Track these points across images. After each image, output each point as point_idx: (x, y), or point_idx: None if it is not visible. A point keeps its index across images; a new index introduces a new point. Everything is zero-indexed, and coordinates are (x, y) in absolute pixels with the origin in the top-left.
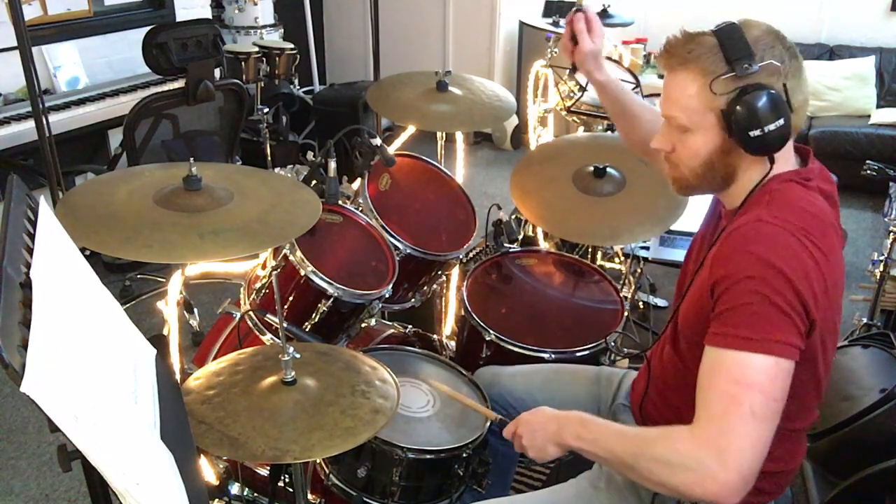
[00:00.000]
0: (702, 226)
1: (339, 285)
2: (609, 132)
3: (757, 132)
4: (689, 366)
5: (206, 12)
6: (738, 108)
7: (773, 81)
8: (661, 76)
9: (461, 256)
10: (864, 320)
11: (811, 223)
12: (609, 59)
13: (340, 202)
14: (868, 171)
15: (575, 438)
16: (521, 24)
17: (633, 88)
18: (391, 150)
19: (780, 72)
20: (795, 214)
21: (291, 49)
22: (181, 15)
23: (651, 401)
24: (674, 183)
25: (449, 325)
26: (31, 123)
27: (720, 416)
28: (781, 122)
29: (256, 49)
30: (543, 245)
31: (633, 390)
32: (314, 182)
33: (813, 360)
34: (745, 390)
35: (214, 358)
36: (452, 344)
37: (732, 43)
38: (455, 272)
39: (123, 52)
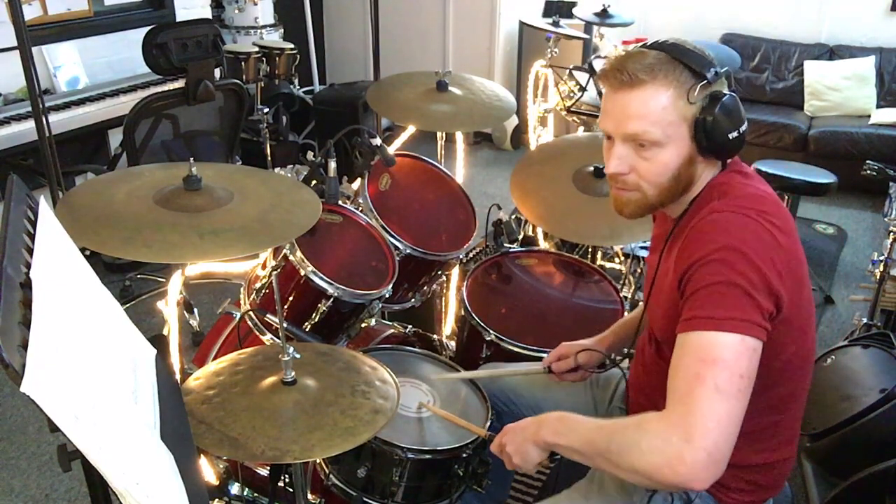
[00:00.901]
0: (652, 242)
1: (339, 285)
2: None
3: (734, 134)
4: (666, 357)
5: (206, 12)
6: (714, 112)
7: (726, 88)
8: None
9: (461, 256)
10: (864, 320)
11: (766, 204)
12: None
13: (340, 202)
14: (868, 171)
15: (553, 434)
16: (521, 24)
17: None
18: (391, 150)
19: (725, 82)
20: (748, 199)
21: (291, 49)
22: (181, 15)
23: (639, 403)
24: (627, 205)
25: (449, 325)
26: (31, 123)
27: (686, 395)
28: (746, 124)
29: (256, 49)
30: (543, 245)
31: (625, 395)
32: (314, 182)
33: (801, 329)
34: (709, 367)
35: (214, 358)
36: (452, 344)
37: (688, 54)
38: (455, 272)
39: (123, 52)
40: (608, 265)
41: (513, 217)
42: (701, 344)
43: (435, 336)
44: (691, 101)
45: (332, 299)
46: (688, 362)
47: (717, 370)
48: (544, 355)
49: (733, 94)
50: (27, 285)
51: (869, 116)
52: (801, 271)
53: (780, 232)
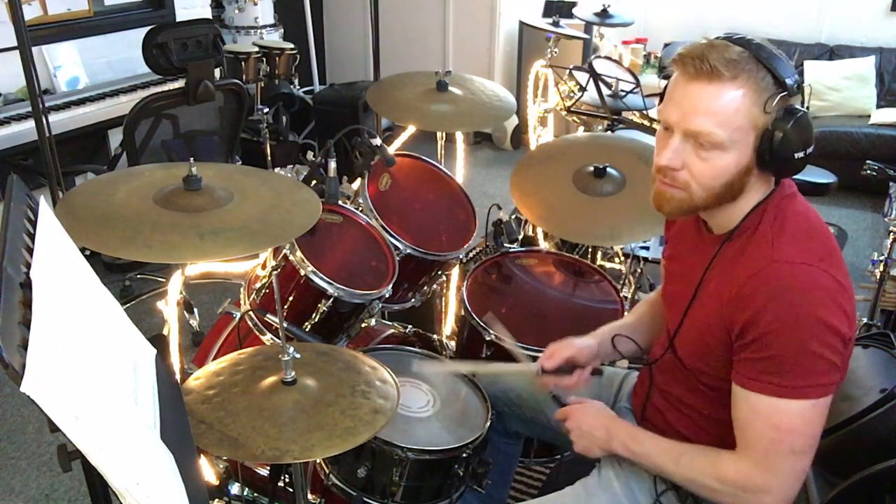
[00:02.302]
0: (669, 244)
1: (339, 285)
2: (609, 132)
3: (800, 154)
4: (692, 373)
5: (206, 12)
6: (787, 128)
7: (799, 103)
8: (665, 77)
9: (461, 256)
10: (864, 320)
11: (824, 241)
12: (609, 58)
13: (340, 202)
14: (868, 171)
15: (624, 449)
16: (521, 24)
17: (633, 89)
18: (391, 150)
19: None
20: (809, 240)
21: (291, 49)
22: (181, 15)
23: (653, 404)
24: (669, 203)
25: (449, 325)
26: (31, 123)
27: (764, 457)
28: (813, 146)
29: (256, 49)
30: (543, 245)
31: (634, 395)
32: (314, 182)
33: (847, 367)
34: (784, 435)
35: (214, 358)
36: (452, 344)
37: (773, 59)
38: (455, 272)
39: (123, 52)
40: (608, 265)
41: (513, 217)
42: (774, 411)
43: (435, 336)
44: (767, 110)
45: (332, 299)
46: (760, 426)
47: (793, 437)
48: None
49: (806, 110)
50: (27, 285)
51: (869, 116)
52: (854, 295)
53: (838, 269)
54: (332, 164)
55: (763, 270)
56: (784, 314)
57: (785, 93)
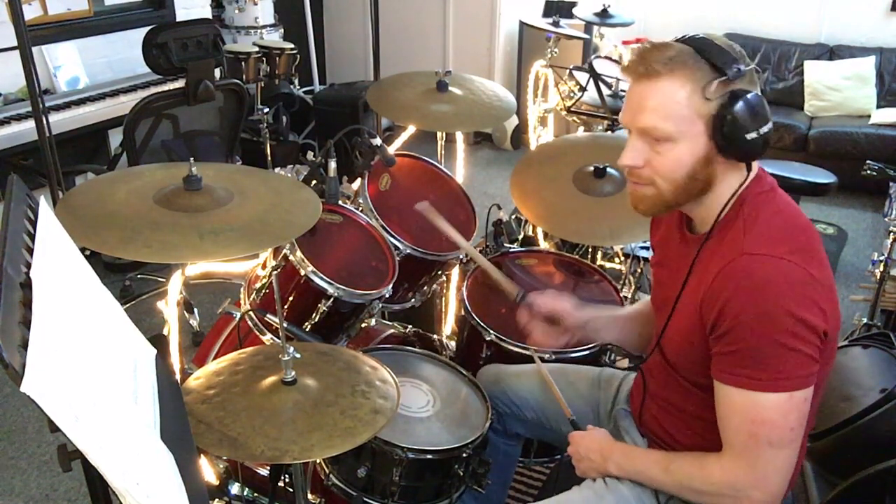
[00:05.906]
0: (656, 251)
1: (339, 285)
2: (609, 132)
3: (753, 135)
4: (680, 374)
5: (206, 12)
6: (733, 111)
7: (753, 87)
8: None
9: (461, 256)
10: (864, 320)
11: (799, 235)
12: (609, 58)
13: (340, 202)
14: (868, 171)
15: (618, 469)
16: (521, 24)
17: None
18: (391, 150)
19: (756, 79)
20: (782, 234)
21: (291, 49)
22: (181, 15)
23: (648, 409)
24: (643, 202)
25: (449, 325)
26: (31, 123)
27: (743, 451)
28: (770, 125)
29: (256, 49)
30: (543, 245)
31: (631, 398)
32: (314, 182)
33: (832, 349)
34: (759, 427)
35: (214, 358)
36: (452, 344)
37: (712, 49)
38: (455, 272)
39: (123, 52)
40: (608, 265)
41: (513, 217)
42: (748, 403)
43: (435, 336)
44: (708, 97)
45: (332, 299)
46: (738, 421)
47: (767, 429)
48: (545, 355)
49: (758, 93)
50: (27, 285)
51: (869, 116)
52: (835, 292)
53: (812, 263)
54: (332, 164)
55: (732, 263)
56: (751, 306)
57: (724, 78)
